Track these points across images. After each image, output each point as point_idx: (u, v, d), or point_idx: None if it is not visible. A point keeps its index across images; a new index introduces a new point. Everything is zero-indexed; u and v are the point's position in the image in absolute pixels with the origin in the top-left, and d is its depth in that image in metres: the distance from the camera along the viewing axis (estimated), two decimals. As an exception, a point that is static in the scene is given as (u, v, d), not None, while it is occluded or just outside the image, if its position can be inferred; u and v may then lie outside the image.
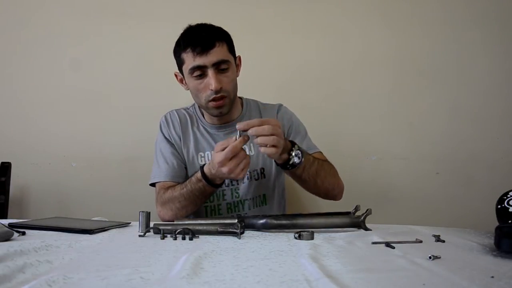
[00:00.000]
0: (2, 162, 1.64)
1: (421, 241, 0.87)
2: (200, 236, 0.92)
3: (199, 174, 1.12)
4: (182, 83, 1.30)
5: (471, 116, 1.76)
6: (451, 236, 0.93)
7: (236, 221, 0.96)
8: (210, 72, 1.18)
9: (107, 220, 1.15)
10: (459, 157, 1.76)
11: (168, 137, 1.33)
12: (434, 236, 0.91)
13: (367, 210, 1.00)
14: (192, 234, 0.90)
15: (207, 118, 1.34)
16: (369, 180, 1.75)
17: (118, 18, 1.77)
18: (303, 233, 0.90)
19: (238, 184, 1.30)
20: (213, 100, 1.21)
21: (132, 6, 1.78)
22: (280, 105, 1.41)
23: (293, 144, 1.09)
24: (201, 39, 1.17)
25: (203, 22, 1.24)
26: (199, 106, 1.34)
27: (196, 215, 1.29)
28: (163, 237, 0.90)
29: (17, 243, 0.79)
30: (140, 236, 0.93)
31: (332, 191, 1.24)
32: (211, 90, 1.19)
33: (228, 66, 1.21)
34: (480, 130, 1.76)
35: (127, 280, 0.60)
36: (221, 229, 0.93)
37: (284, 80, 1.78)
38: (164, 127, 1.35)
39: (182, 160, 1.32)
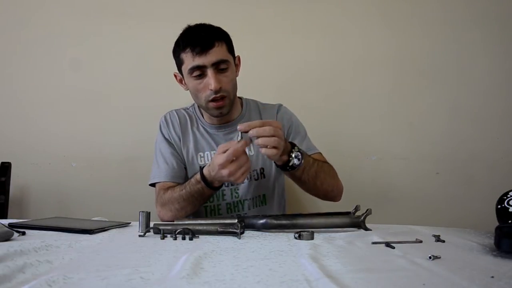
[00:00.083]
0: (2, 162, 1.64)
1: (421, 241, 0.87)
2: (200, 236, 0.92)
3: (198, 176, 1.12)
4: (182, 83, 1.30)
5: (471, 116, 1.76)
6: (451, 236, 0.93)
7: (236, 221, 0.96)
8: (210, 72, 1.18)
9: (107, 220, 1.15)
10: (459, 157, 1.76)
11: (167, 137, 1.33)
12: (434, 236, 0.91)
13: (367, 210, 1.00)
14: (192, 234, 0.90)
15: (207, 118, 1.34)
16: (369, 180, 1.75)
17: (118, 18, 1.77)
18: (303, 233, 0.90)
19: (237, 184, 1.30)
20: (213, 100, 1.21)
21: (132, 6, 1.78)
22: (280, 105, 1.41)
23: (293, 145, 1.09)
24: (200, 39, 1.17)
25: (203, 22, 1.24)
26: (198, 106, 1.34)
27: (196, 215, 1.28)
28: (163, 237, 0.90)
29: (17, 243, 0.79)
30: (140, 236, 0.93)
31: (331, 193, 1.24)
32: (211, 90, 1.19)
33: (227, 66, 1.21)
34: (480, 130, 1.76)
35: (127, 280, 0.60)
36: (221, 229, 0.93)
37: (284, 80, 1.78)
38: (163, 128, 1.35)
39: (181, 160, 1.32)
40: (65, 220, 1.13)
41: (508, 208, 0.83)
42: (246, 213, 1.30)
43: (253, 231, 0.99)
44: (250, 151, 1.31)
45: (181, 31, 1.23)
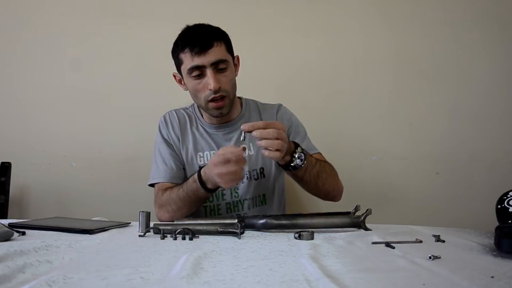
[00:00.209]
0: (2, 162, 1.64)
1: (421, 241, 0.87)
2: (200, 236, 0.92)
3: (196, 175, 1.12)
4: (181, 83, 1.30)
5: (471, 116, 1.76)
6: (451, 236, 0.93)
7: (236, 221, 0.96)
8: (209, 72, 1.18)
9: (107, 220, 1.15)
10: (459, 157, 1.76)
11: (166, 137, 1.33)
12: (434, 236, 0.91)
13: (367, 210, 1.00)
14: (192, 234, 0.90)
15: (206, 118, 1.34)
16: (369, 180, 1.75)
17: (118, 18, 1.77)
18: (303, 233, 0.90)
19: (237, 184, 1.30)
20: (213, 100, 1.21)
21: (132, 6, 1.78)
22: (280, 105, 1.41)
23: (296, 145, 1.09)
24: (199, 39, 1.17)
25: (203, 22, 1.24)
26: (198, 106, 1.34)
27: (196, 215, 1.28)
28: (163, 237, 0.90)
29: (17, 243, 0.79)
30: (140, 236, 0.93)
31: (332, 193, 1.25)
32: (210, 90, 1.19)
33: (226, 65, 1.21)
34: (480, 130, 1.76)
35: (127, 280, 0.60)
36: (221, 229, 0.93)
37: (284, 80, 1.78)
38: (162, 128, 1.35)
39: (180, 161, 1.32)
40: (65, 220, 1.12)
41: (508, 208, 0.83)
42: (246, 213, 1.30)
43: (253, 231, 0.99)
44: (250, 151, 1.31)
45: (180, 31, 1.23)
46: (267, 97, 1.45)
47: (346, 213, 1.01)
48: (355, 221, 1.00)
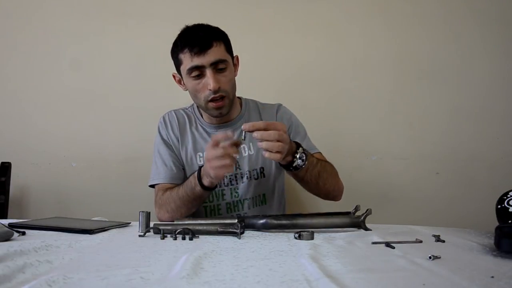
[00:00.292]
0: (2, 162, 1.64)
1: (421, 241, 0.87)
2: (200, 236, 0.92)
3: (195, 173, 1.12)
4: (180, 84, 1.30)
5: (471, 116, 1.76)
6: (451, 236, 0.93)
7: (236, 221, 0.96)
8: (208, 72, 1.18)
9: (107, 220, 1.15)
10: (459, 157, 1.76)
11: (166, 138, 1.33)
12: (434, 236, 0.91)
13: (367, 210, 1.00)
14: (192, 234, 0.90)
15: (206, 118, 1.34)
16: (369, 180, 1.75)
17: (118, 18, 1.77)
18: (303, 233, 0.90)
19: (237, 183, 1.30)
20: (212, 100, 1.21)
21: (132, 6, 1.78)
22: (280, 105, 1.41)
23: (297, 146, 1.08)
24: (199, 39, 1.17)
25: (203, 22, 1.24)
26: (198, 107, 1.34)
27: (196, 215, 1.28)
28: (163, 237, 0.90)
29: (17, 243, 0.79)
30: (140, 236, 0.93)
31: (333, 192, 1.25)
32: (210, 90, 1.19)
33: (226, 65, 1.21)
34: (480, 130, 1.76)
35: (127, 280, 0.60)
36: (221, 229, 0.93)
37: (284, 80, 1.78)
38: (162, 129, 1.35)
39: (180, 161, 1.32)
40: (65, 220, 1.12)
41: (508, 208, 0.83)
42: (246, 213, 1.30)
43: (253, 231, 0.99)
44: (250, 150, 1.31)
45: (179, 32, 1.23)
46: (267, 97, 1.45)
47: (346, 213, 1.01)
48: (355, 221, 1.00)
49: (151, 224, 0.97)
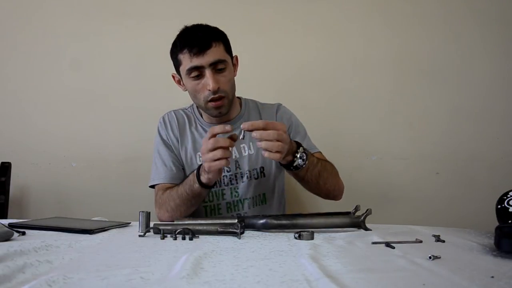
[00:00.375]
0: (2, 162, 1.64)
1: (421, 241, 0.87)
2: (200, 236, 0.92)
3: (195, 171, 1.12)
4: (180, 84, 1.30)
5: (471, 116, 1.76)
6: (451, 236, 0.93)
7: (236, 221, 0.96)
8: (208, 73, 1.18)
9: (107, 220, 1.15)
10: (459, 157, 1.76)
11: (165, 138, 1.33)
12: (434, 236, 0.91)
13: (367, 210, 1.00)
14: (192, 234, 0.90)
15: (205, 118, 1.34)
16: (369, 180, 1.75)
17: (118, 18, 1.77)
18: (303, 233, 0.90)
19: (237, 183, 1.30)
20: (212, 100, 1.21)
21: (132, 6, 1.78)
22: (279, 105, 1.41)
23: (298, 145, 1.08)
24: (198, 40, 1.17)
25: (203, 22, 1.24)
26: (197, 107, 1.34)
27: (196, 214, 1.28)
28: (163, 237, 0.90)
29: (17, 243, 0.79)
30: (140, 236, 0.93)
31: (333, 192, 1.25)
32: (209, 90, 1.19)
33: (225, 66, 1.21)
34: (480, 130, 1.76)
35: (127, 280, 0.60)
36: (221, 229, 0.93)
37: (284, 80, 1.78)
38: (161, 129, 1.35)
39: (179, 161, 1.32)
40: (65, 220, 1.12)
41: (508, 208, 0.83)
42: (246, 212, 1.30)
43: (253, 231, 0.99)
44: (250, 150, 1.31)
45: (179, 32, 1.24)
46: (267, 97, 1.45)
47: (346, 213, 1.01)
48: (355, 221, 1.00)
49: (151, 224, 0.97)
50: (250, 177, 1.31)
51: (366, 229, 1.00)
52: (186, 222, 0.99)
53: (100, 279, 0.60)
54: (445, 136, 1.77)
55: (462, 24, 1.77)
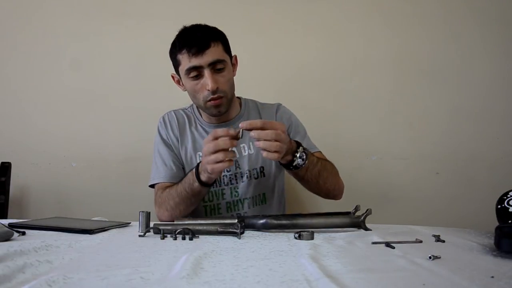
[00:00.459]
0: (2, 162, 1.64)
1: (421, 241, 0.87)
2: (200, 236, 0.92)
3: (193, 169, 1.12)
4: (179, 84, 1.30)
5: (471, 116, 1.76)
6: (451, 236, 0.93)
7: (236, 221, 0.96)
8: (206, 72, 1.18)
9: (107, 220, 1.15)
10: (459, 157, 1.76)
11: (165, 138, 1.33)
12: (434, 236, 0.91)
13: (367, 210, 1.00)
14: (192, 234, 0.90)
15: (205, 117, 1.34)
16: (369, 180, 1.75)
17: (118, 18, 1.77)
18: (303, 233, 0.90)
19: (237, 183, 1.30)
20: (211, 100, 1.21)
21: (131, 6, 1.78)
22: (279, 105, 1.41)
23: (298, 145, 1.08)
24: (196, 40, 1.18)
25: (204, 22, 1.24)
26: (197, 107, 1.34)
27: (196, 214, 1.29)
28: (163, 237, 0.90)
29: (17, 243, 0.79)
30: (140, 236, 0.93)
31: (333, 191, 1.25)
32: (208, 90, 1.19)
33: (224, 65, 1.21)
34: (480, 130, 1.76)
35: (127, 280, 0.60)
36: (221, 229, 0.93)
37: (284, 80, 1.78)
38: (161, 129, 1.35)
39: (179, 161, 1.32)
40: (65, 220, 1.12)
41: (508, 208, 0.83)
42: (246, 212, 1.30)
43: (253, 231, 0.99)
44: (250, 150, 1.32)
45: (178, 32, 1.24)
46: (267, 97, 1.45)
47: (346, 213, 1.01)
48: (355, 221, 1.00)
49: (151, 224, 0.97)
50: (250, 176, 1.31)
51: (366, 229, 1.00)
52: (186, 222, 0.99)
53: (100, 279, 0.60)
54: (445, 136, 1.77)
55: (462, 24, 1.77)
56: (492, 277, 0.62)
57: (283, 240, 0.89)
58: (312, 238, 0.90)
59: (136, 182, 1.67)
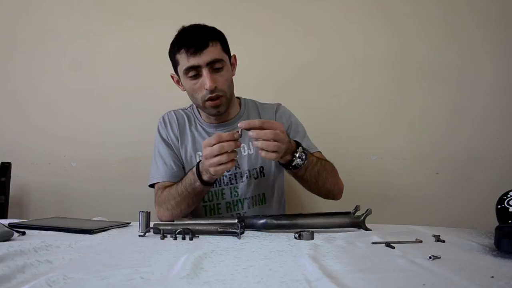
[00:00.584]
0: (2, 162, 1.64)
1: (421, 241, 0.87)
2: (200, 236, 0.92)
3: (194, 169, 1.12)
4: (179, 84, 1.30)
5: (471, 116, 1.76)
6: (451, 236, 0.93)
7: (236, 221, 0.96)
8: (205, 72, 1.18)
9: (107, 220, 1.15)
10: (459, 157, 1.76)
11: (165, 138, 1.34)
12: (434, 236, 0.91)
13: (367, 210, 1.00)
14: (192, 234, 0.90)
15: (205, 117, 1.34)
16: (369, 180, 1.75)
17: (118, 18, 1.77)
18: (303, 233, 0.90)
19: (237, 183, 1.30)
20: (209, 99, 1.21)
21: (132, 6, 1.78)
22: (279, 105, 1.41)
23: (297, 145, 1.08)
24: (194, 40, 1.18)
25: (203, 22, 1.24)
26: (196, 106, 1.34)
27: (196, 214, 1.29)
28: (163, 237, 0.90)
29: (17, 243, 0.79)
30: (140, 236, 0.93)
31: (333, 191, 1.25)
32: (206, 89, 1.19)
33: (222, 65, 1.21)
34: (480, 130, 1.76)
35: (127, 280, 0.60)
36: (221, 229, 0.93)
37: (284, 80, 1.78)
38: (161, 128, 1.35)
39: (179, 160, 1.32)
40: (65, 220, 1.12)
41: (508, 208, 0.83)
42: (245, 212, 1.30)
43: (253, 231, 0.99)
44: (250, 150, 1.32)
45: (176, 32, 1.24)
46: (267, 97, 1.45)
47: (346, 213, 1.01)
48: (355, 221, 1.00)
49: (151, 224, 0.97)
50: (250, 176, 1.31)
51: (366, 229, 1.00)
52: (186, 222, 0.99)
53: (100, 279, 0.60)
54: (445, 136, 1.77)
55: (462, 24, 1.77)
56: (492, 277, 0.62)
57: (283, 240, 0.89)
58: (312, 238, 0.90)
59: (136, 182, 1.67)
